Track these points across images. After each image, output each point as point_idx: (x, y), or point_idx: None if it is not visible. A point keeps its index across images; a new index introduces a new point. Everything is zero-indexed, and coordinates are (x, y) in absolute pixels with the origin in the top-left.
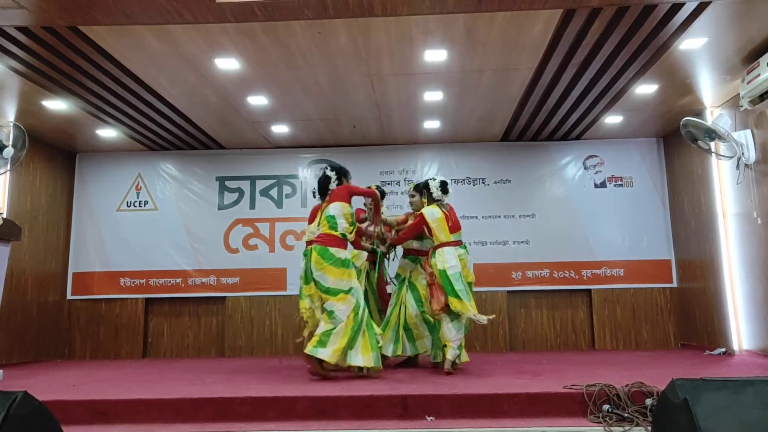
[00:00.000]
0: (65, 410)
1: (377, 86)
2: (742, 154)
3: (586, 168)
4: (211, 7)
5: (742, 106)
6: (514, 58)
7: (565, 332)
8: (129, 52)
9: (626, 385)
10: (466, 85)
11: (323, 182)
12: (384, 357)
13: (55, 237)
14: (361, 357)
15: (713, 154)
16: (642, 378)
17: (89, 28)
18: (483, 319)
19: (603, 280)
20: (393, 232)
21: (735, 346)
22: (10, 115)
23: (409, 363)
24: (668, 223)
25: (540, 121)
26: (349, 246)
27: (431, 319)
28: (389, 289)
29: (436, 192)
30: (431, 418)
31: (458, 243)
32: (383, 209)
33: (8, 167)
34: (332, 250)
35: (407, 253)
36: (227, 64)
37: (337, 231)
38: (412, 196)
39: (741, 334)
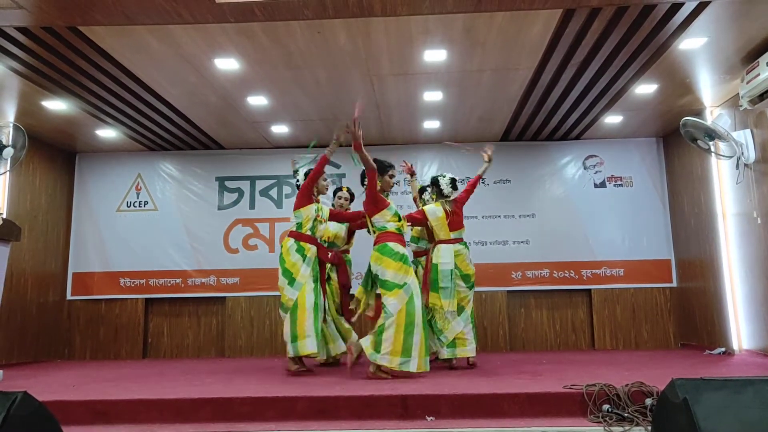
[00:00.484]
0: (65, 410)
1: (377, 86)
2: (742, 153)
3: (585, 168)
4: (210, 7)
5: (741, 106)
6: (513, 58)
7: (565, 332)
8: (128, 52)
9: (626, 385)
10: (465, 85)
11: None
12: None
13: (54, 237)
14: (416, 362)
15: (713, 154)
16: (642, 378)
17: (89, 29)
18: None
19: (603, 280)
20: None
21: (735, 346)
22: (10, 116)
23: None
24: (668, 222)
25: (540, 120)
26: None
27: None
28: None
29: (446, 189)
30: (431, 418)
31: (458, 240)
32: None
33: (8, 167)
34: (391, 245)
35: (417, 255)
36: (227, 64)
37: (392, 229)
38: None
39: (741, 334)
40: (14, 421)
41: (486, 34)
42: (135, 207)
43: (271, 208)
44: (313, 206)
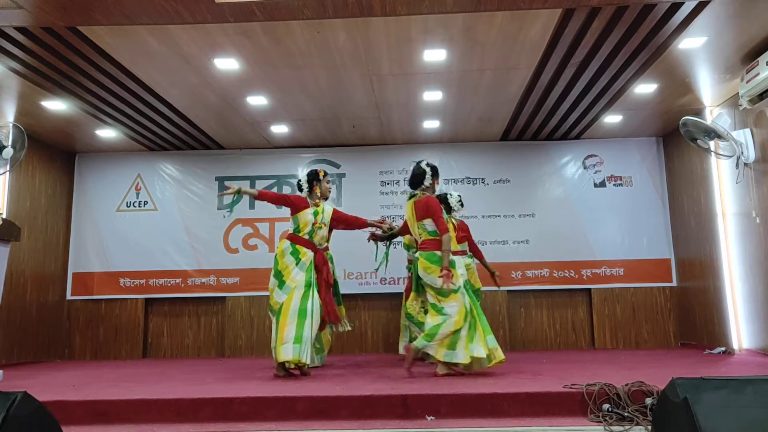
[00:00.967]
0: (65, 410)
1: (377, 86)
2: (742, 153)
3: (585, 167)
4: (210, 7)
5: (741, 105)
6: (513, 58)
7: (565, 332)
8: (128, 52)
9: (626, 385)
10: (465, 84)
11: (419, 176)
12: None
13: (54, 237)
14: (481, 347)
15: (713, 154)
16: (642, 377)
17: (88, 29)
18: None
19: (603, 280)
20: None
21: (735, 345)
22: (10, 116)
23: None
24: (668, 222)
25: (539, 120)
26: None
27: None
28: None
29: (455, 205)
30: (431, 417)
31: (464, 252)
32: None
33: (8, 168)
34: (439, 253)
35: (410, 262)
36: (227, 64)
37: (436, 236)
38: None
39: (741, 333)
40: (14, 421)
41: (486, 34)
42: (135, 207)
43: (271, 208)
44: (310, 210)
